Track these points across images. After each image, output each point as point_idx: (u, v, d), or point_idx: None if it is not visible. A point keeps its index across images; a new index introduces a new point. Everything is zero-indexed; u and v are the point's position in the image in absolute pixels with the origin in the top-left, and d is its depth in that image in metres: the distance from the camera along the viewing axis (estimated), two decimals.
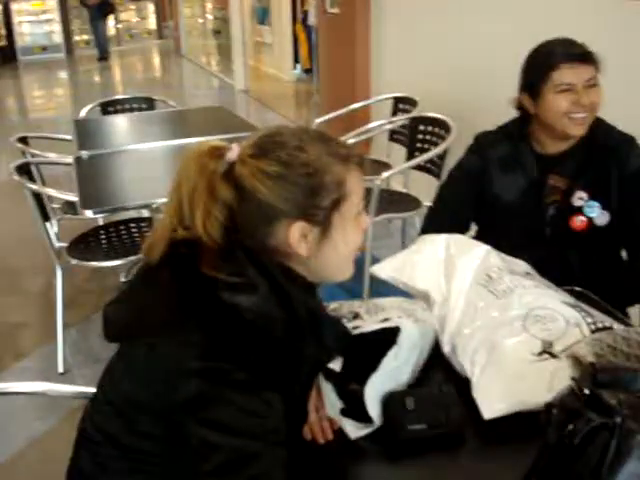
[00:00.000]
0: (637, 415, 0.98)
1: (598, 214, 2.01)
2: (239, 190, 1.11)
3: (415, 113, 4.15)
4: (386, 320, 1.47)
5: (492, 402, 1.36)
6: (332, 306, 1.59)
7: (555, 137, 2.04)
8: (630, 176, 1.99)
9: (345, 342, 1.31)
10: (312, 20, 8.62)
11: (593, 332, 1.45)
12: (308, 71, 10.58)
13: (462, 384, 1.42)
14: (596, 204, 2.01)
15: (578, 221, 2.02)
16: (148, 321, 1.15)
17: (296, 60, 11.38)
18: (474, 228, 2.26)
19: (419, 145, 3.93)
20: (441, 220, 2.21)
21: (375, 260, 2.85)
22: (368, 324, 1.46)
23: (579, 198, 2.02)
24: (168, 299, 1.13)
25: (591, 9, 3.15)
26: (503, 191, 2.11)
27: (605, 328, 1.47)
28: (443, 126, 3.71)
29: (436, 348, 1.56)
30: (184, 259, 1.12)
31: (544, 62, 1.99)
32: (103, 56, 15.32)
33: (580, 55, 1.95)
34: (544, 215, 2.08)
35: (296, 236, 1.13)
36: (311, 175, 1.12)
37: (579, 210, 2.03)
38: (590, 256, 2.06)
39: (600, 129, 2.02)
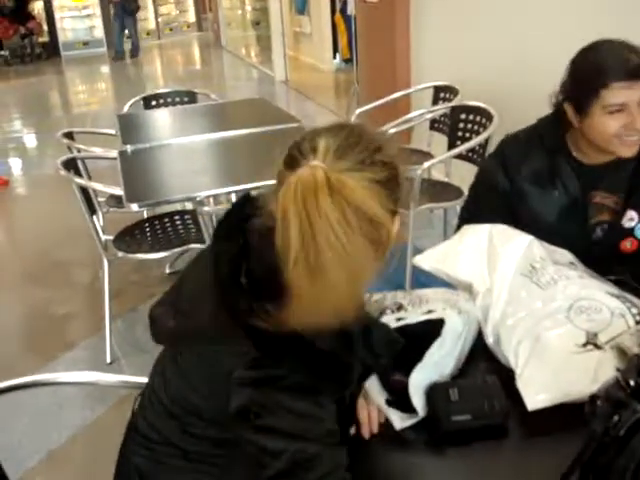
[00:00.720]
0: None
1: None
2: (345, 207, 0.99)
3: (456, 102, 4.12)
4: (430, 312, 1.48)
5: (536, 393, 1.36)
6: (375, 297, 1.59)
7: (599, 151, 1.83)
8: None
9: (395, 348, 1.30)
10: (351, 9, 8.58)
11: (638, 323, 1.44)
12: (348, 61, 10.53)
13: (506, 375, 1.42)
14: None
15: (628, 243, 1.85)
16: (197, 330, 1.17)
17: (335, 50, 11.36)
18: None
19: (460, 134, 3.91)
20: None
21: (417, 250, 2.84)
22: (412, 315, 1.47)
23: (629, 219, 1.84)
24: (216, 308, 1.13)
25: None
26: (540, 209, 1.89)
27: None
28: (484, 114, 3.67)
29: (480, 339, 1.56)
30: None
31: (593, 77, 1.73)
32: (119, 56, 15.10)
33: (635, 71, 1.69)
34: (589, 237, 1.88)
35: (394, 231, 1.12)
36: (395, 168, 1.11)
37: (629, 232, 1.84)
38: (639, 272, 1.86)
39: None
